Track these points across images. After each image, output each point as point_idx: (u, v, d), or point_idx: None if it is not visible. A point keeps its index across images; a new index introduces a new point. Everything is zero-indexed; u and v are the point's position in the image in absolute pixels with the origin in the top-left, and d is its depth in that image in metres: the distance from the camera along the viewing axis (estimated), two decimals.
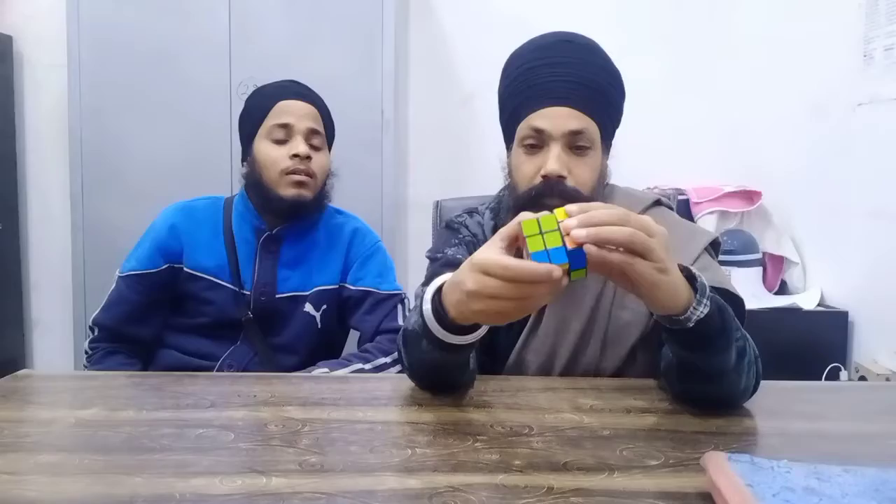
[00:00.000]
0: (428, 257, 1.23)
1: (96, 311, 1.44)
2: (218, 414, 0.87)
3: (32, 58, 2.98)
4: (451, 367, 0.93)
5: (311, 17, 2.58)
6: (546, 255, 0.72)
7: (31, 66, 2.99)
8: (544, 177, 1.04)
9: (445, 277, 0.85)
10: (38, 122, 3.00)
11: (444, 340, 0.85)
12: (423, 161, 3.02)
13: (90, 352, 1.42)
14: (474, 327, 0.84)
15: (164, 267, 1.42)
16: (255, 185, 1.43)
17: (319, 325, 1.46)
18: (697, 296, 0.79)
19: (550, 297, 0.74)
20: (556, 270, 0.70)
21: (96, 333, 1.43)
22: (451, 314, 0.82)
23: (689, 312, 0.78)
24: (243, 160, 1.49)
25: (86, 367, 1.40)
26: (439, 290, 0.85)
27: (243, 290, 1.43)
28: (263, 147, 1.42)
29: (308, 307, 1.45)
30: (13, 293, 2.98)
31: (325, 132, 1.48)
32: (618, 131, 1.16)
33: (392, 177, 2.66)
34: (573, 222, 0.73)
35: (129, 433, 0.80)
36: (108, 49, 2.59)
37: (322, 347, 1.48)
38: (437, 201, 1.57)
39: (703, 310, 0.79)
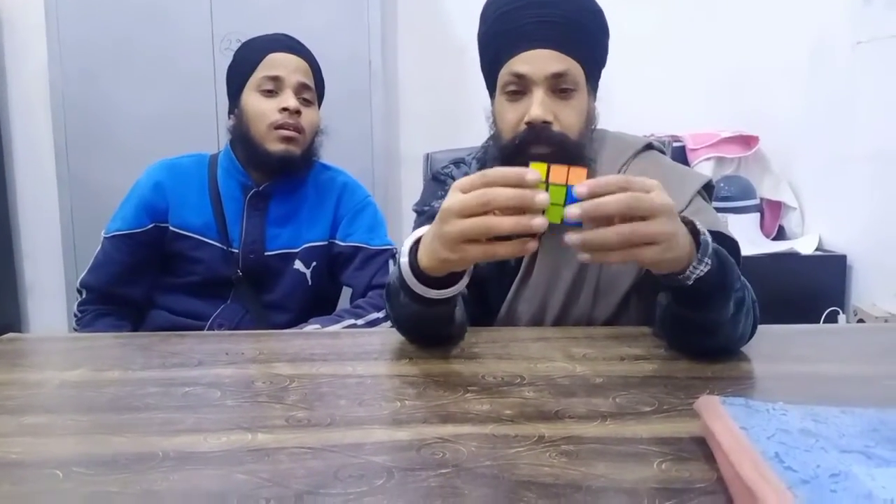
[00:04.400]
0: (415, 210, 1.20)
1: (83, 273, 1.42)
2: (205, 372, 0.86)
3: (12, 19, 2.90)
4: (431, 320, 0.91)
5: None
6: None
7: (10, 28, 2.91)
8: (528, 123, 1.00)
9: (424, 230, 0.83)
10: (21, 85, 2.93)
11: (420, 294, 0.83)
12: (414, 113, 2.97)
13: (79, 315, 1.40)
14: (450, 281, 0.82)
15: (149, 226, 1.40)
16: (242, 138, 1.39)
17: (310, 282, 1.44)
18: (699, 254, 0.77)
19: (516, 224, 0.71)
20: (531, 173, 0.70)
21: (84, 296, 1.41)
22: (422, 263, 0.80)
23: (688, 272, 0.77)
24: (230, 113, 1.45)
25: (76, 330, 1.39)
26: (417, 242, 0.83)
27: (231, 249, 1.41)
28: (252, 99, 1.38)
29: (298, 264, 1.43)
30: (5, 259, 2.95)
31: (316, 88, 1.44)
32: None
33: (382, 129, 2.62)
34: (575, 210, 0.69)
35: (114, 393, 0.78)
36: (88, 7, 2.53)
37: (314, 304, 1.46)
38: (428, 153, 1.54)
39: (702, 268, 0.77)
